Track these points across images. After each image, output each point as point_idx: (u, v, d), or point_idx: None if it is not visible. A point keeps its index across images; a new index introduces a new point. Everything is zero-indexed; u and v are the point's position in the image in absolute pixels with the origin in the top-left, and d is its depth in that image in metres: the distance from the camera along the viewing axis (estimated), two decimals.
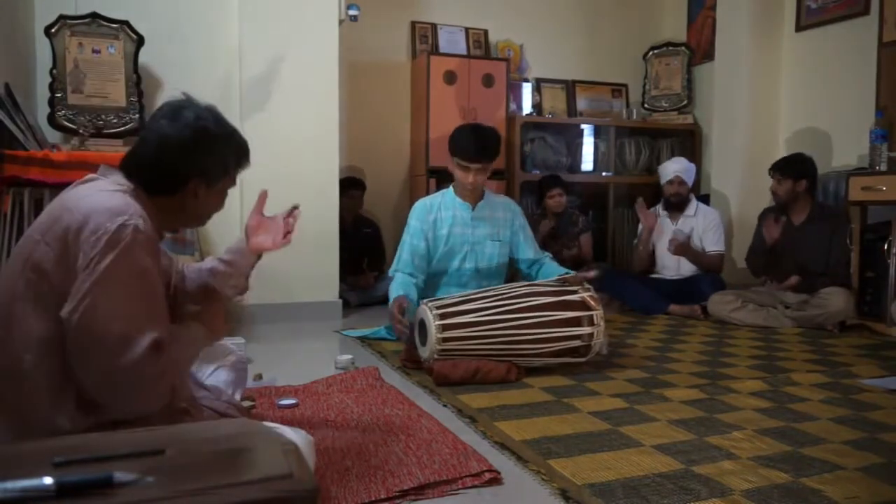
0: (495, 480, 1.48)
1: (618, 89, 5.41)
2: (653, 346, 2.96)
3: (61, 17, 3.19)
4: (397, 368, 2.53)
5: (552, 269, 2.87)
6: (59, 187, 2.20)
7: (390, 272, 2.91)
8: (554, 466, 1.55)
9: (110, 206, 1.18)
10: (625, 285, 3.96)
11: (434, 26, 4.86)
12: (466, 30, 4.92)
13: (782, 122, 4.47)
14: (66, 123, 3.18)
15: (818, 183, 3.71)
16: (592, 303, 2.47)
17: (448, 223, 2.89)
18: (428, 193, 3.40)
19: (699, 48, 5.11)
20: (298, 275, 3.50)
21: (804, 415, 1.97)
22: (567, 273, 2.70)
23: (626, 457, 1.61)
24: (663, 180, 4.10)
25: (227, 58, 3.53)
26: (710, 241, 3.98)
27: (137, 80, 3.32)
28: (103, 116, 3.25)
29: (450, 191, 2.96)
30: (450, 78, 4.48)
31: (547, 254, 3.05)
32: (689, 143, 5.09)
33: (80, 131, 3.15)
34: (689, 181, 4.07)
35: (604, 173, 5.05)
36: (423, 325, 2.36)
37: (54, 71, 3.18)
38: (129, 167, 1.31)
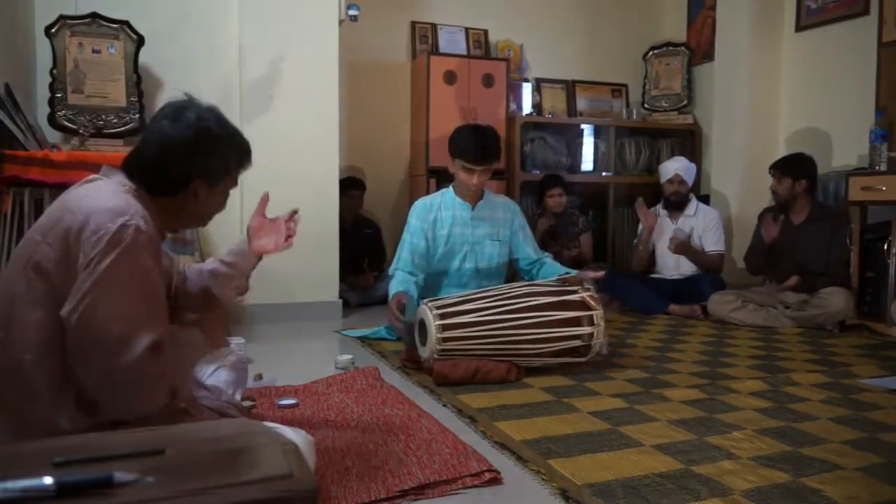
0: (495, 480, 1.48)
1: (618, 89, 5.40)
2: (653, 346, 2.96)
3: (61, 17, 3.19)
4: (397, 368, 2.53)
5: (552, 269, 2.87)
6: (60, 187, 2.21)
7: (390, 271, 2.92)
8: (554, 466, 1.55)
9: (111, 207, 1.18)
10: (625, 285, 3.96)
11: (434, 26, 4.86)
12: (466, 30, 4.92)
13: (782, 122, 4.47)
14: (66, 123, 3.18)
15: (818, 183, 3.71)
16: (592, 303, 2.46)
17: (448, 223, 2.89)
18: (428, 193, 3.39)
19: (699, 48, 5.11)
20: (298, 275, 3.50)
21: (804, 415, 1.97)
22: (567, 272, 2.70)
23: (626, 457, 1.61)
24: (663, 179, 4.10)
25: (228, 58, 3.53)
26: (710, 241, 3.98)
27: (137, 81, 3.32)
28: (103, 116, 3.25)
29: (449, 191, 2.97)
30: (450, 78, 4.48)
31: (547, 254, 3.06)
32: (689, 143, 5.08)
33: (81, 131, 3.15)
34: (690, 180, 4.07)
35: (604, 173, 5.04)
36: (423, 325, 2.36)
37: (54, 71, 3.18)
38: (131, 167, 1.31)
